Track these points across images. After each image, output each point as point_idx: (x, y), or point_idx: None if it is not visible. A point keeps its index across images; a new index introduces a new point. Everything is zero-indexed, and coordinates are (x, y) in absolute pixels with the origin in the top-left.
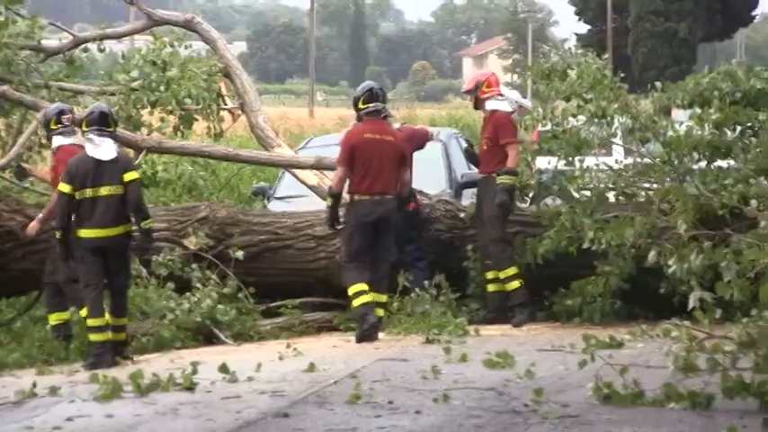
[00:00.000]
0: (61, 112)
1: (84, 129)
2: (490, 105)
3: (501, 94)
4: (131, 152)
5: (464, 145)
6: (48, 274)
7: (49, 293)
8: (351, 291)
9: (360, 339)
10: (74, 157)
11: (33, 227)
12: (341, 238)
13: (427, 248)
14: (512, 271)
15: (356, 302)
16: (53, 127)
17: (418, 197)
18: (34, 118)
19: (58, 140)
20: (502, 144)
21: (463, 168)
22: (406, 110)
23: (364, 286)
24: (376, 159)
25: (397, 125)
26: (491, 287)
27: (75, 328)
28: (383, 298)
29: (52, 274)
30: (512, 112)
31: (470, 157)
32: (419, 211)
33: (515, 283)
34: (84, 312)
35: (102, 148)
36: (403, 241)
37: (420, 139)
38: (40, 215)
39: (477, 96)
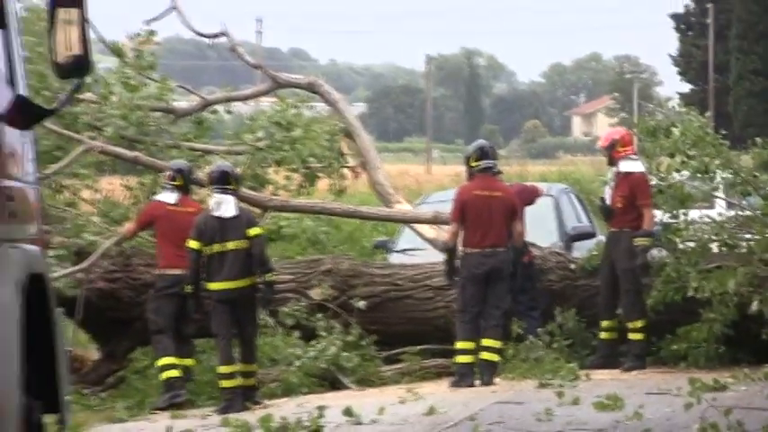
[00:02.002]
0: (169, 171)
1: (209, 187)
2: (625, 166)
3: (635, 153)
4: (258, 210)
5: (574, 200)
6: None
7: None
8: (457, 345)
9: (453, 386)
10: (201, 215)
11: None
12: (456, 289)
13: (540, 298)
14: (640, 323)
15: (459, 359)
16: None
17: (531, 249)
18: None
19: (158, 196)
20: (638, 205)
21: (573, 222)
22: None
23: (471, 345)
24: (485, 214)
25: (508, 184)
26: (603, 335)
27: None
28: (498, 344)
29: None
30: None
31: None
32: (532, 262)
33: (639, 336)
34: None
35: (224, 207)
36: (517, 291)
37: (530, 195)
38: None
39: (611, 154)
